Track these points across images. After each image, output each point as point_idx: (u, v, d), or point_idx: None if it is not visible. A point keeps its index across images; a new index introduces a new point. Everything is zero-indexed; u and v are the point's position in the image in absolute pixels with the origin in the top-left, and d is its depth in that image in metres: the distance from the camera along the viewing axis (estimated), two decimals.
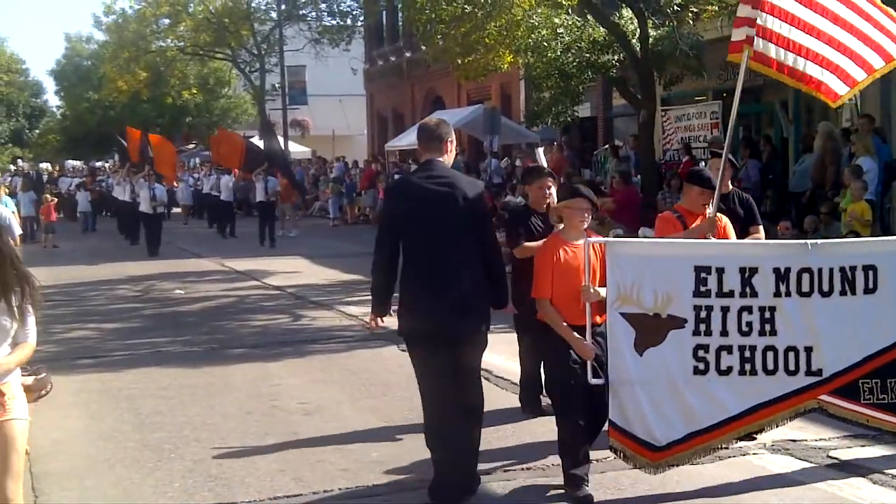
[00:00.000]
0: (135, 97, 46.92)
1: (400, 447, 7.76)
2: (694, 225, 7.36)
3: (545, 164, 8.65)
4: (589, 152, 25.30)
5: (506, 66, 21.73)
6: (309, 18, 41.53)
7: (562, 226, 6.66)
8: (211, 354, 11.81)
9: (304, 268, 21.17)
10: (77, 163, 58.49)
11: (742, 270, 6.40)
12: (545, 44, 19.82)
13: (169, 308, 15.87)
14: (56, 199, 31.25)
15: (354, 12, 40.02)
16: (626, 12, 18.99)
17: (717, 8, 16.96)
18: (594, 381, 6.36)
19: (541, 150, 9.20)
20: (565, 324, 6.37)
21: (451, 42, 20.98)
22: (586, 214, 6.50)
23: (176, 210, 38.46)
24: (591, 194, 6.65)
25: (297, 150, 43.88)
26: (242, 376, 10.44)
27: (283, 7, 41.04)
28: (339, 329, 13.33)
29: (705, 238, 7.13)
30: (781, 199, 17.95)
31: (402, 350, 11.49)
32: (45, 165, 48.70)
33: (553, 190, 7.92)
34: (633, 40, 18.55)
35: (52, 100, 74.04)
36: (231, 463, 7.40)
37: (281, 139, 29.21)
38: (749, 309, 6.40)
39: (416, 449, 7.63)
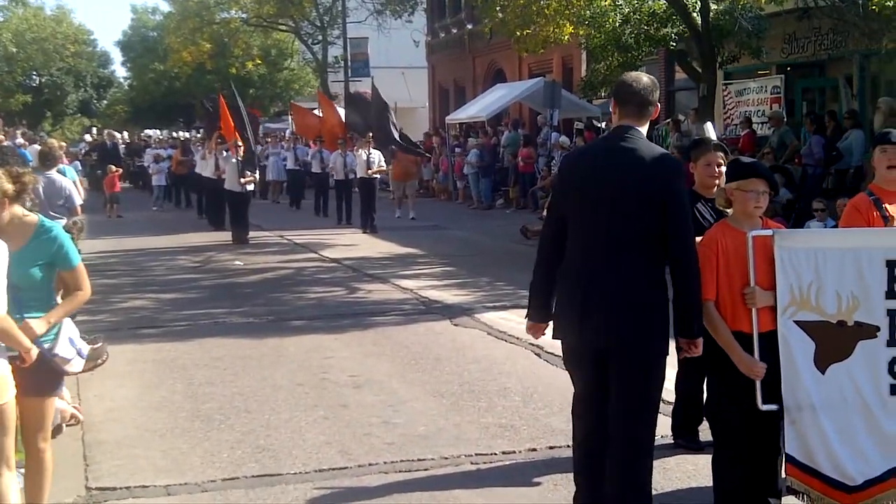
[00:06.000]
0: (199, 68, 47.35)
1: (446, 421, 7.76)
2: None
3: (714, 137, 7.15)
4: (650, 126, 25.07)
5: (566, 37, 21.55)
6: None
7: (730, 211, 5.51)
8: (265, 326, 11.88)
9: (361, 241, 21.27)
10: (158, 132, 55.94)
11: None
12: (604, 15, 19.67)
13: (227, 279, 16.03)
14: (120, 170, 31.35)
15: None
16: None
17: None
18: (766, 407, 5.24)
19: (710, 125, 7.66)
20: (730, 332, 5.26)
21: (511, 14, 20.87)
22: (762, 198, 5.31)
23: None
24: (770, 173, 5.48)
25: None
26: (295, 348, 10.51)
27: None
28: (393, 302, 13.36)
29: None
30: (843, 177, 17.65)
31: (455, 325, 11.64)
32: (122, 135, 48.18)
33: (724, 168, 6.61)
34: (694, 13, 18.30)
35: (119, 70, 75.15)
36: (279, 434, 7.46)
37: (342, 110, 28.99)
38: None
39: (463, 424, 7.69)
